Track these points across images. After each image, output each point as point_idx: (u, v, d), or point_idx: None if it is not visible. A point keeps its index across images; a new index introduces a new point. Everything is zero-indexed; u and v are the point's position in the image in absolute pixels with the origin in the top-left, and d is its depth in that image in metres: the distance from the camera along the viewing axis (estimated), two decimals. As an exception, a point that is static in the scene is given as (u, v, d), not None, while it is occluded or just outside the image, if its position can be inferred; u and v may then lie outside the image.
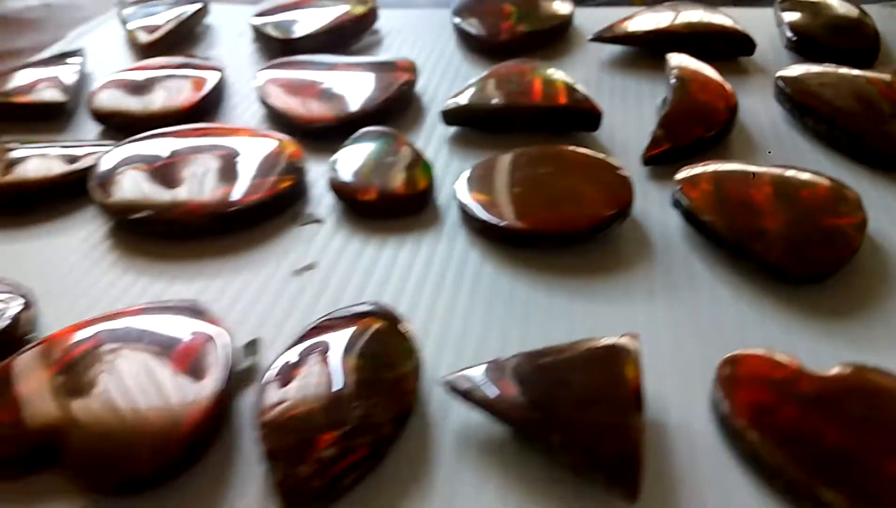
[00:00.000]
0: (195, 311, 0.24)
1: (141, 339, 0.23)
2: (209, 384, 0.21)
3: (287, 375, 0.22)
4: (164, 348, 0.23)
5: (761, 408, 0.21)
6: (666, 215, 0.30)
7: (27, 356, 0.23)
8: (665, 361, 0.23)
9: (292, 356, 0.23)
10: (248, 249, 0.30)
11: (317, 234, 0.30)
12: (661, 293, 0.27)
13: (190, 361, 0.22)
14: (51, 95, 0.39)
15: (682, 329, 0.25)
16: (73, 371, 0.22)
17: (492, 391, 0.21)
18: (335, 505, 0.20)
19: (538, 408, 0.20)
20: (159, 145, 0.33)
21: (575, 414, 0.20)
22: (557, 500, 0.20)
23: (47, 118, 0.39)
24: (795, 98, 0.35)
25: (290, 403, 0.21)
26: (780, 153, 0.34)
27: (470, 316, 0.26)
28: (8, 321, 0.24)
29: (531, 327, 0.25)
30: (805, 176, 0.30)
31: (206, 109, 0.39)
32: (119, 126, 0.37)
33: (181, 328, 0.23)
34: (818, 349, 0.24)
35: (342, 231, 0.30)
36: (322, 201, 0.32)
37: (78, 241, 0.31)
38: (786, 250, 0.27)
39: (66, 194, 0.32)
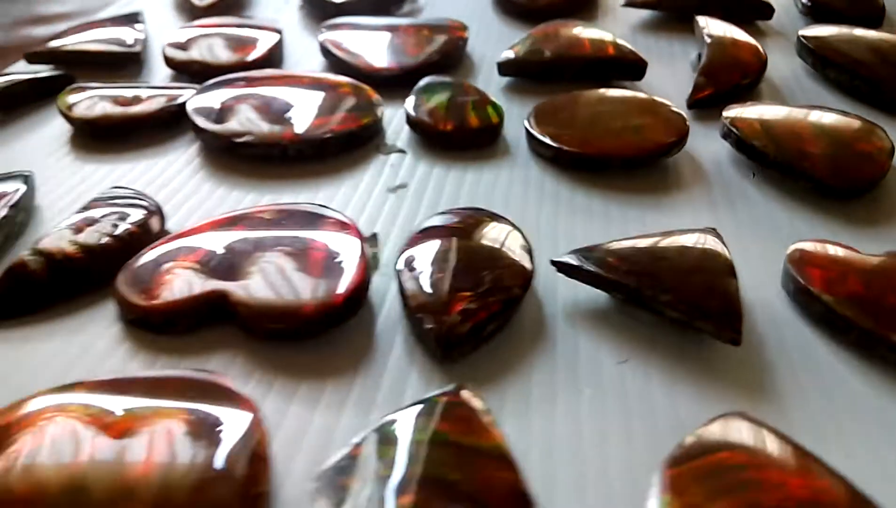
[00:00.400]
0: (321, 208, 0.27)
1: (284, 224, 0.26)
2: (352, 262, 0.24)
3: (418, 257, 0.25)
4: (311, 224, 0.26)
5: (831, 278, 0.24)
6: (715, 148, 0.34)
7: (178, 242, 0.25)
8: (735, 254, 0.27)
9: (417, 244, 0.26)
10: (342, 172, 0.32)
11: (402, 162, 0.33)
12: (721, 206, 0.30)
13: (330, 248, 0.25)
14: (121, 45, 0.42)
15: (746, 232, 0.29)
16: (227, 253, 0.25)
17: (600, 266, 0.24)
18: (477, 353, 0.23)
19: (647, 275, 0.24)
20: (251, 87, 0.36)
21: (680, 278, 0.23)
22: (662, 351, 0.23)
23: (119, 67, 0.41)
24: (818, 52, 0.39)
25: (428, 273, 0.24)
26: (807, 101, 0.38)
27: (555, 224, 0.29)
28: (142, 218, 0.27)
29: (612, 231, 0.29)
30: (835, 115, 0.33)
31: (272, 63, 0.41)
32: (193, 73, 0.40)
33: (315, 220, 0.26)
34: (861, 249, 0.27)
35: (424, 160, 0.33)
36: (399, 136, 0.35)
37: (182, 163, 0.33)
38: (829, 168, 0.30)
39: (163, 126, 0.35)
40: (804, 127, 0.32)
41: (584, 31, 0.41)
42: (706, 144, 0.34)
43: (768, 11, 0.46)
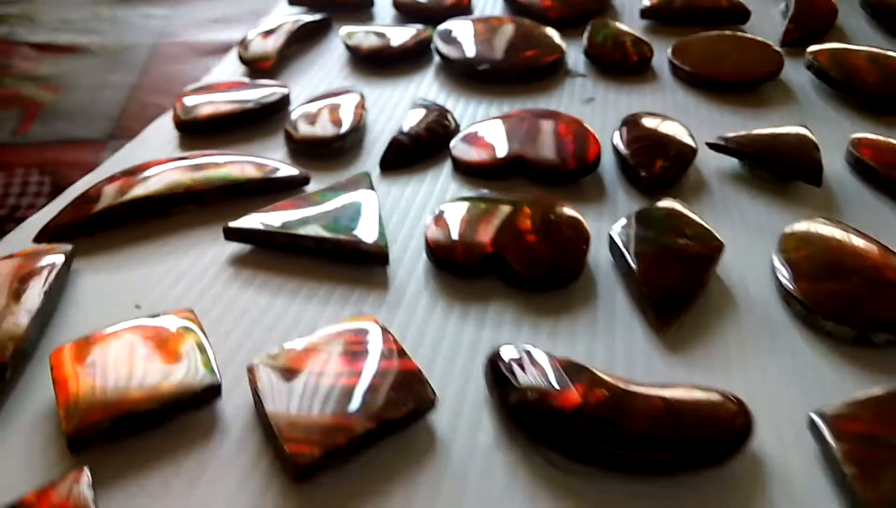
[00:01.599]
0: (555, 112, 0.44)
1: (537, 117, 0.42)
2: (587, 140, 0.41)
3: (626, 135, 0.41)
4: (554, 118, 0.42)
5: (880, 153, 0.40)
6: (799, 79, 0.49)
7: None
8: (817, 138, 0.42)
9: (625, 127, 0.42)
10: (540, 94, 0.48)
11: (585, 84, 0.50)
12: (806, 116, 0.46)
13: (571, 128, 0.41)
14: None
15: (822, 131, 0.45)
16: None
17: (738, 144, 0.40)
18: (669, 192, 0.39)
19: (767, 149, 0.40)
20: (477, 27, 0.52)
21: (790, 150, 0.40)
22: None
23: (355, 11, 0.58)
24: (876, 5, 0.54)
25: (634, 147, 0.40)
26: (866, 44, 0.53)
27: (689, 125, 0.45)
28: (447, 118, 0.43)
29: (736, 130, 0.45)
30: (887, 52, 0.49)
31: (468, 9, 0.57)
32: (417, 14, 0.56)
33: (556, 116, 0.43)
34: None
35: (603, 83, 0.50)
36: (577, 64, 0.51)
37: (428, 84, 0.49)
38: (881, 86, 0.46)
39: (411, 57, 0.51)
40: (862, 61, 0.48)
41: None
42: (795, 74, 0.50)
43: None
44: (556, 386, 0.25)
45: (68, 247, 0.33)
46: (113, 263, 0.34)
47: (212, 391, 0.27)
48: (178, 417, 0.26)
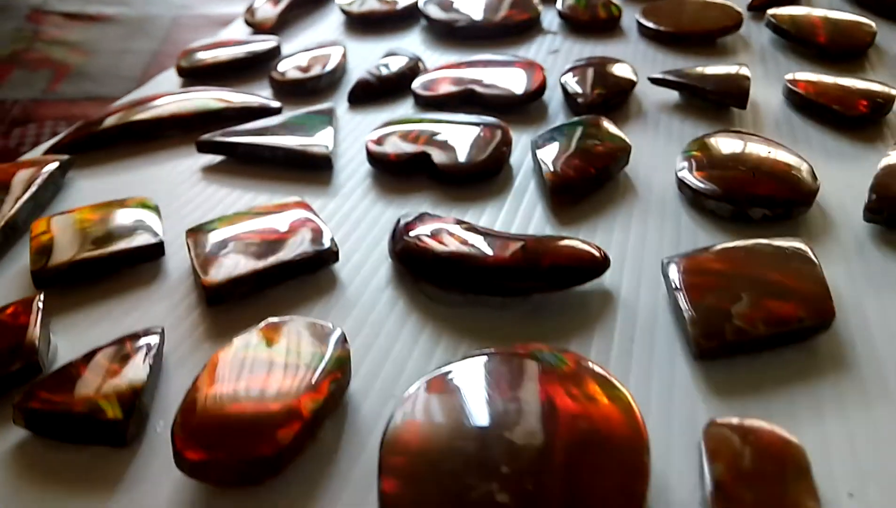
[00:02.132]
0: (514, 56, 0.48)
1: (495, 63, 0.46)
2: (534, 73, 0.44)
3: (575, 77, 0.45)
4: (509, 64, 0.46)
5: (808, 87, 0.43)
6: (759, 38, 0.52)
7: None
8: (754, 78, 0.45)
9: (577, 68, 0.46)
10: (512, 49, 0.53)
11: (555, 40, 0.53)
12: (755, 64, 0.49)
13: (525, 65, 0.45)
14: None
15: (773, 76, 0.47)
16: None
17: (685, 76, 0.44)
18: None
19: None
20: None
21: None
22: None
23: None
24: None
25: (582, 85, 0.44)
26: (829, 8, 0.55)
27: (653, 70, 0.49)
28: (416, 62, 0.48)
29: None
30: (842, 14, 0.51)
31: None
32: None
33: (511, 63, 0.47)
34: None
35: (572, 40, 0.53)
36: (552, 24, 0.55)
37: (415, 42, 0.54)
38: (831, 40, 0.48)
39: (400, 19, 0.56)
40: (817, 19, 0.50)
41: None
42: (757, 34, 0.53)
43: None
44: (439, 234, 0.29)
45: (65, 156, 0.39)
46: (103, 172, 0.40)
47: (156, 249, 0.31)
48: (126, 269, 0.31)
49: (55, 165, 0.38)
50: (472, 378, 0.22)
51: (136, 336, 0.26)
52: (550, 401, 0.21)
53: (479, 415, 0.21)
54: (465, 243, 0.29)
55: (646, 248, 0.31)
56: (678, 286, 0.27)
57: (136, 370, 0.24)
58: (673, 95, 0.44)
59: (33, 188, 0.36)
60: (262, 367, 0.23)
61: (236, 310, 0.29)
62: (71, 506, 0.21)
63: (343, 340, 0.24)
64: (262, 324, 0.25)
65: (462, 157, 0.36)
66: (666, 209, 0.34)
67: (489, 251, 0.28)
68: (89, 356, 0.25)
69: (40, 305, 0.27)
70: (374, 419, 0.24)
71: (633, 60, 0.48)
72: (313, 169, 0.38)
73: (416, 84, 0.45)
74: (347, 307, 0.29)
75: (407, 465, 0.19)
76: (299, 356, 0.23)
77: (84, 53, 0.57)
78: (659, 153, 0.38)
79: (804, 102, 0.42)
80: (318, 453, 0.23)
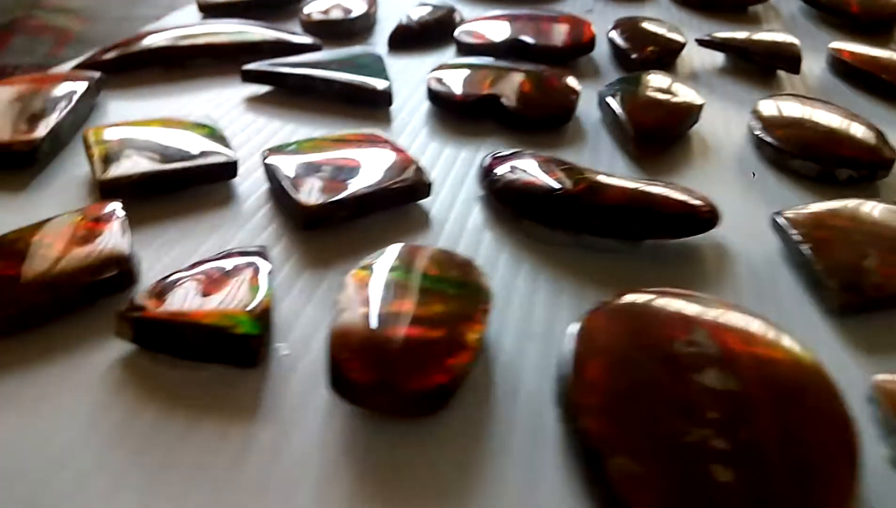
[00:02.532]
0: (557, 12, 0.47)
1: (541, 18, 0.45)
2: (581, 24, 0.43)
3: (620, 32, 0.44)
4: (556, 20, 0.45)
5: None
6: (790, 8, 0.52)
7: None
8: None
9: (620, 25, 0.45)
10: (548, 3, 0.52)
11: (588, 0, 0.53)
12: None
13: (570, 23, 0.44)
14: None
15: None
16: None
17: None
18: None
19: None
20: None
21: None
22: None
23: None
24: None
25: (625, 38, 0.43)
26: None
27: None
28: (452, 13, 0.46)
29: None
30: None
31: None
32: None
33: (555, 19, 0.46)
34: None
35: (603, 1, 0.53)
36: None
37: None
38: (863, 10, 0.49)
39: None
40: None
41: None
42: (787, 2, 0.53)
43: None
44: (546, 171, 0.28)
45: (97, 74, 0.36)
46: (135, 95, 0.37)
47: (230, 168, 0.29)
48: (199, 187, 0.29)
49: (92, 79, 0.35)
50: (640, 317, 0.21)
51: (241, 253, 0.24)
52: (728, 346, 0.20)
53: (660, 357, 0.20)
54: (577, 180, 0.27)
55: (745, 203, 0.31)
56: (801, 240, 0.26)
57: (260, 287, 0.22)
58: (718, 59, 0.44)
59: (74, 99, 0.33)
60: (411, 292, 0.21)
61: (328, 237, 0.27)
62: (205, 430, 0.19)
63: (481, 272, 0.23)
64: (398, 248, 0.23)
65: (531, 102, 0.35)
66: (746, 168, 0.33)
67: (601, 192, 0.27)
68: (195, 268, 0.23)
69: (122, 213, 0.25)
70: (519, 357, 0.22)
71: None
72: (369, 105, 0.36)
73: (460, 31, 0.43)
74: (451, 246, 0.27)
75: (604, 403, 0.18)
76: (446, 284, 0.22)
77: (85, 21, 0.53)
78: (720, 113, 0.38)
79: (850, 71, 0.42)
80: (473, 387, 0.21)
